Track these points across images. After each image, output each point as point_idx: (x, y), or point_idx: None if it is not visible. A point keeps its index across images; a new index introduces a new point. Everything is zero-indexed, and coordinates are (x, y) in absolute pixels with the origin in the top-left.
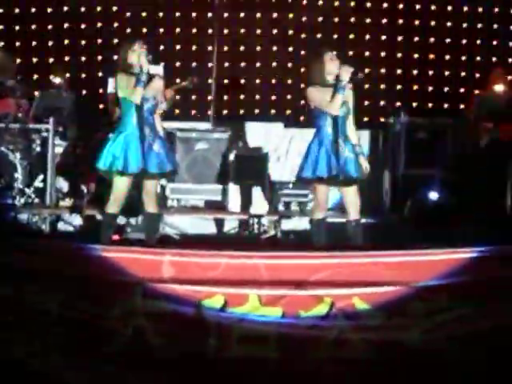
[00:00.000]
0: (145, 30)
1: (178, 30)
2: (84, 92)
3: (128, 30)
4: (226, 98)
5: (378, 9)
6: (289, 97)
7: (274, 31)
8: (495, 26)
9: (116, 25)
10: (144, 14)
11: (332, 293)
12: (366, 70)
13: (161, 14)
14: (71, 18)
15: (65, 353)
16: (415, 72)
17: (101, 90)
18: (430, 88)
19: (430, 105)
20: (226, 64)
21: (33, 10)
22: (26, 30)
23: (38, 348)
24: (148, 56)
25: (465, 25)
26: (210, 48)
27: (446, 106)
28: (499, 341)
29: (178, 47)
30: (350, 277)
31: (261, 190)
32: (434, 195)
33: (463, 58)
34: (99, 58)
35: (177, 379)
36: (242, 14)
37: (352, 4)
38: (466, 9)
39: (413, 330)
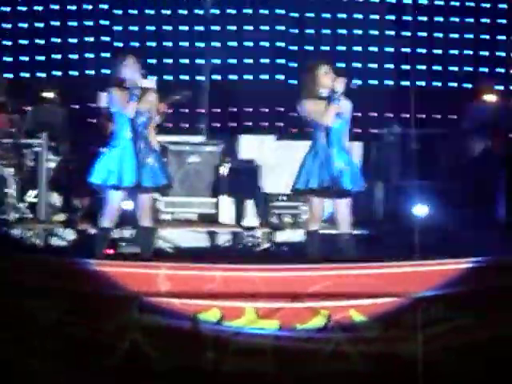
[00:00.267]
0: (136, 44)
1: (169, 43)
2: (76, 107)
3: (118, 44)
4: (218, 110)
5: (368, 20)
6: (280, 109)
7: (266, 44)
8: (484, 36)
9: (107, 39)
10: (135, 28)
11: (328, 305)
12: (359, 82)
13: (152, 28)
14: (61, 33)
15: (63, 367)
16: (406, 83)
17: (93, 105)
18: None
19: (422, 116)
20: (218, 77)
21: (23, 25)
22: (16, 45)
23: (36, 362)
24: (140, 70)
25: (455, 35)
26: (201, 61)
27: (438, 116)
28: (497, 352)
29: (169, 61)
30: (346, 289)
31: (253, 203)
32: (421, 210)
33: (453, 68)
34: (90, 72)
35: None
36: (232, 27)
37: (343, 16)
38: (454, 19)
39: (410, 342)
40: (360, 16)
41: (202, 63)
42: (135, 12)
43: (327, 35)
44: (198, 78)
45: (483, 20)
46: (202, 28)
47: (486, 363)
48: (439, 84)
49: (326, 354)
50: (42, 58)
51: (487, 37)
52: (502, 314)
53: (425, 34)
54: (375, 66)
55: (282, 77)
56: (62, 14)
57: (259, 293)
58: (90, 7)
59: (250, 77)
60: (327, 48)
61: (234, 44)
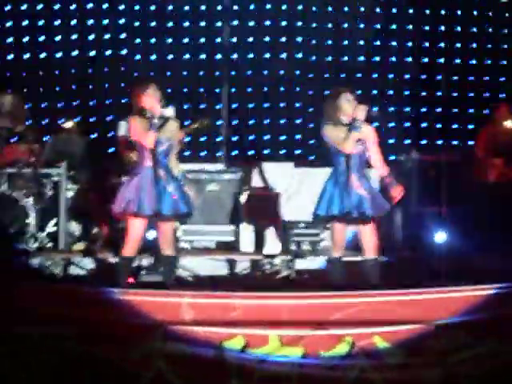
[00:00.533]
0: (152, 73)
1: (185, 72)
2: (95, 136)
3: (136, 74)
4: (235, 139)
5: (386, 47)
6: (298, 136)
7: (282, 72)
8: (503, 62)
9: (124, 68)
10: (153, 57)
11: (353, 332)
12: (375, 109)
13: (170, 57)
14: (79, 63)
15: None
16: (424, 110)
17: (111, 134)
18: (439, 125)
19: (439, 142)
20: (236, 105)
21: (42, 55)
22: (34, 76)
23: None
24: (161, 100)
25: (473, 61)
26: (218, 90)
27: (455, 143)
28: None
29: (186, 89)
30: (370, 316)
31: (272, 230)
32: (441, 237)
33: (471, 94)
34: (108, 101)
35: None
36: (250, 55)
37: (361, 43)
38: (474, 45)
39: (433, 369)
40: (378, 43)
41: (220, 91)
42: (154, 41)
43: (345, 62)
44: (217, 106)
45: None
46: (220, 56)
47: None
48: (456, 110)
49: (350, 380)
50: (61, 87)
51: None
52: None
53: (442, 61)
54: (392, 92)
55: (299, 104)
56: (81, 43)
57: (283, 320)
58: (109, 36)
59: (268, 104)
60: (344, 75)
61: (251, 72)
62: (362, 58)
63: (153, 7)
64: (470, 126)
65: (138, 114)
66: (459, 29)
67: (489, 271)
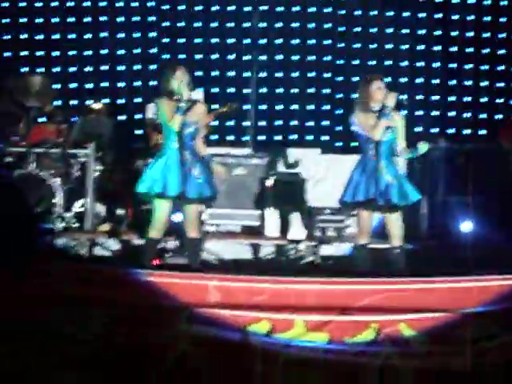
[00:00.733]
0: (182, 56)
1: (216, 56)
2: (123, 117)
3: (166, 56)
4: (263, 123)
5: (415, 35)
6: (325, 123)
7: (311, 57)
8: None
9: (154, 51)
10: (182, 41)
11: (378, 319)
12: (403, 97)
13: (199, 41)
14: (110, 44)
15: (111, 377)
16: (452, 99)
17: (139, 116)
18: (468, 114)
19: (467, 131)
20: (264, 90)
21: (72, 36)
22: (64, 56)
23: (83, 372)
24: (189, 83)
25: (502, 51)
26: (247, 74)
27: (482, 132)
28: None
29: (215, 73)
30: (396, 303)
31: (298, 216)
32: (468, 226)
33: (500, 84)
34: (137, 83)
35: None
36: (279, 41)
37: (389, 30)
38: (501, 35)
39: (458, 357)
40: (407, 31)
41: (249, 76)
42: (183, 24)
43: (373, 50)
44: (245, 90)
45: None
46: (249, 41)
47: None
48: (486, 99)
49: (375, 367)
50: (91, 68)
51: None
52: None
53: (472, 50)
54: (422, 80)
55: (328, 90)
56: (111, 25)
57: (309, 305)
58: (139, 19)
59: (296, 90)
60: (374, 62)
61: (281, 57)
62: (390, 46)
63: None
64: (498, 116)
65: (165, 97)
66: (489, 18)
67: None
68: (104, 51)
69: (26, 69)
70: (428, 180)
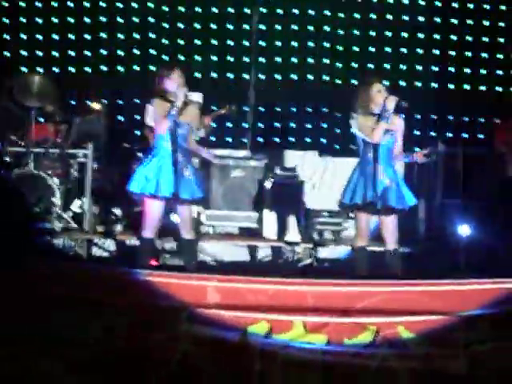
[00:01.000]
0: (182, 58)
1: (214, 57)
2: (121, 118)
3: (165, 57)
4: (261, 125)
5: (414, 39)
6: (324, 125)
7: (310, 60)
8: None
9: (153, 52)
10: (181, 42)
11: (377, 321)
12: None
13: (197, 42)
14: (108, 45)
15: (111, 379)
16: (450, 102)
17: (138, 117)
18: (465, 118)
19: (465, 135)
20: (262, 92)
21: (71, 36)
22: (64, 57)
23: (83, 374)
24: (185, 85)
25: (500, 56)
26: (246, 76)
27: (480, 136)
28: None
29: (214, 75)
30: (395, 305)
31: (295, 218)
32: (465, 230)
33: (498, 88)
34: (136, 85)
35: None
36: (278, 43)
37: (388, 34)
38: (500, 40)
39: (455, 360)
40: (406, 35)
41: (248, 78)
42: (182, 26)
43: (374, 53)
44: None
45: None
46: (248, 42)
47: None
48: (484, 103)
49: (372, 369)
50: (90, 69)
51: None
52: None
53: (470, 54)
54: (419, 84)
55: (326, 92)
56: (110, 26)
57: (308, 307)
58: (138, 21)
59: (295, 92)
60: (372, 66)
61: (279, 60)
62: (389, 49)
63: None
64: (496, 120)
65: (160, 97)
66: (488, 23)
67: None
68: (104, 52)
69: (26, 69)
70: (426, 183)
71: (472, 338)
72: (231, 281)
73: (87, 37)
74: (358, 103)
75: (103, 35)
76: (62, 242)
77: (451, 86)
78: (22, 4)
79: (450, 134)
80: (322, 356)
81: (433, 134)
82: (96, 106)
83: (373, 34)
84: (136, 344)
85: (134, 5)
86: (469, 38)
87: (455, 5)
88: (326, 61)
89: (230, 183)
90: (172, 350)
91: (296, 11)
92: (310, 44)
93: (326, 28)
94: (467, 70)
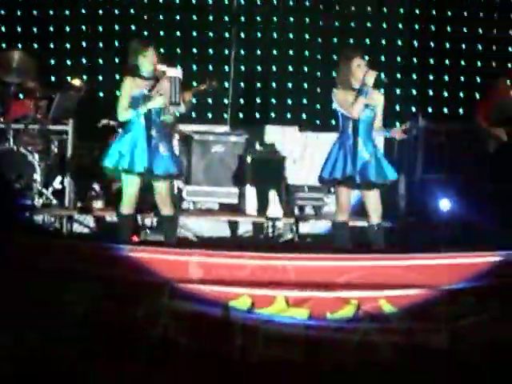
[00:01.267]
0: (162, 33)
1: (194, 33)
2: (101, 94)
3: (145, 33)
4: (242, 101)
5: (395, 14)
6: (305, 101)
7: (291, 35)
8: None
9: (133, 27)
10: (161, 17)
11: (359, 295)
12: (382, 75)
13: (178, 17)
14: (89, 21)
15: (91, 353)
16: (431, 77)
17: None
18: (446, 94)
19: (446, 110)
20: (243, 68)
21: (51, 12)
22: (44, 32)
23: (64, 349)
24: (159, 62)
25: (480, 31)
26: (226, 52)
27: (461, 111)
28: None
29: (194, 50)
30: (377, 279)
31: (276, 194)
32: (446, 204)
33: (479, 64)
34: (117, 60)
35: (202, 379)
36: (258, 18)
37: (368, 9)
38: (481, 15)
39: (437, 334)
40: (385, 9)
41: (228, 53)
42: (161, 1)
43: (354, 28)
44: (225, 67)
45: None
46: (228, 18)
47: None
48: (465, 78)
49: (355, 343)
50: (69, 45)
51: None
52: None
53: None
54: (400, 59)
55: (306, 68)
56: (90, 1)
57: (290, 281)
58: None
59: (275, 67)
60: (352, 41)
61: (260, 35)
62: (369, 25)
63: None
64: (477, 95)
65: (132, 73)
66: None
67: (492, 238)
68: (83, 27)
69: (5, 44)
70: (406, 158)
71: (454, 312)
72: (213, 256)
73: (66, 12)
74: (339, 78)
75: (83, 11)
76: (42, 218)
77: (432, 61)
78: None
79: (431, 109)
80: (304, 330)
81: (414, 108)
82: (76, 81)
83: (353, 8)
84: (117, 318)
85: None
86: (449, 13)
87: None
88: (306, 36)
89: (210, 159)
90: (153, 324)
91: None
92: (291, 19)
93: (307, 3)
94: (447, 45)
